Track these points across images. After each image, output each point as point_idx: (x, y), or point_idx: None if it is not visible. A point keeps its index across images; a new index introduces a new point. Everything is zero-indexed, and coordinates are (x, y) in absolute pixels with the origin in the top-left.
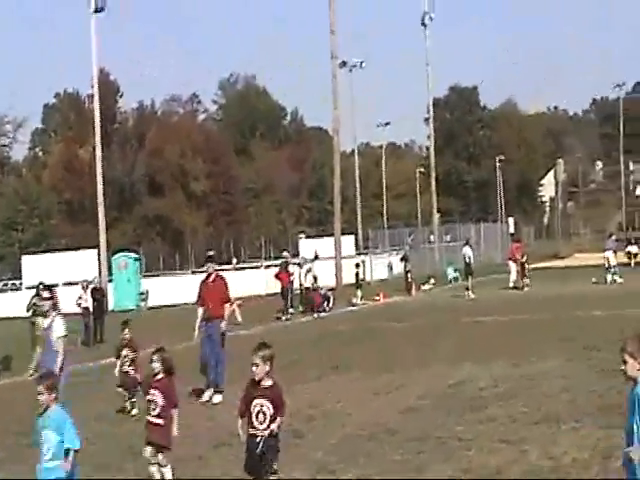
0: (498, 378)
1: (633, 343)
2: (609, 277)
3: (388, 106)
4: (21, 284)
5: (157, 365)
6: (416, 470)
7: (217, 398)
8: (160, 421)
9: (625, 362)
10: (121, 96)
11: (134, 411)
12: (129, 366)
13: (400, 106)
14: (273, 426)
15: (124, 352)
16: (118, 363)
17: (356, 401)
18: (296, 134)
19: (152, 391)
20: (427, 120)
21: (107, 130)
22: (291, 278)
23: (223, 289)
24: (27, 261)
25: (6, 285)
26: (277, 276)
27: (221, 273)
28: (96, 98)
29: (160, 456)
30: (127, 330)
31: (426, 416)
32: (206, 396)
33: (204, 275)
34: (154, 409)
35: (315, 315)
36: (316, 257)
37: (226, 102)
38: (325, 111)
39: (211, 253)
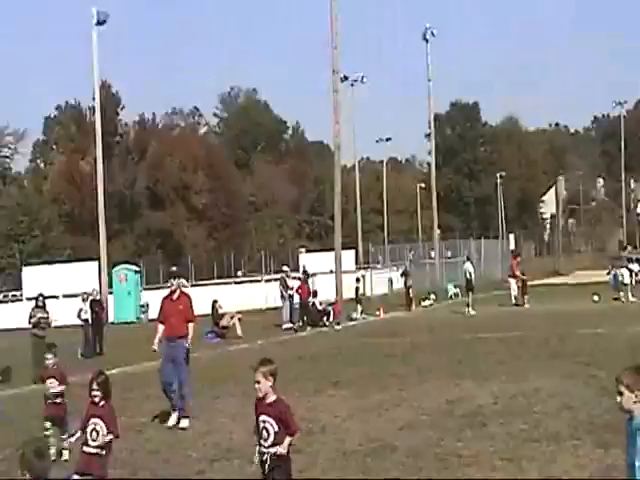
0: (497, 395)
1: (630, 375)
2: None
3: (389, 121)
4: (22, 295)
5: (98, 393)
6: None
7: (184, 422)
8: (100, 451)
9: (621, 394)
10: (122, 109)
11: (65, 454)
12: (55, 397)
13: (401, 121)
14: (279, 449)
15: (48, 382)
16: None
17: (355, 417)
18: (297, 148)
19: (94, 420)
20: (428, 136)
21: (108, 142)
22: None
23: (187, 307)
24: (28, 272)
25: (6, 296)
26: (297, 290)
27: (186, 290)
28: (97, 110)
29: None
30: (52, 356)
31: (425, 433)
32: (172, 421)
33: (167, 291)
34: (94, 439)
35: (337, 327)
36: (304, 272)
37: (227, 116)
38: (326, 126)
39: (174, 269)
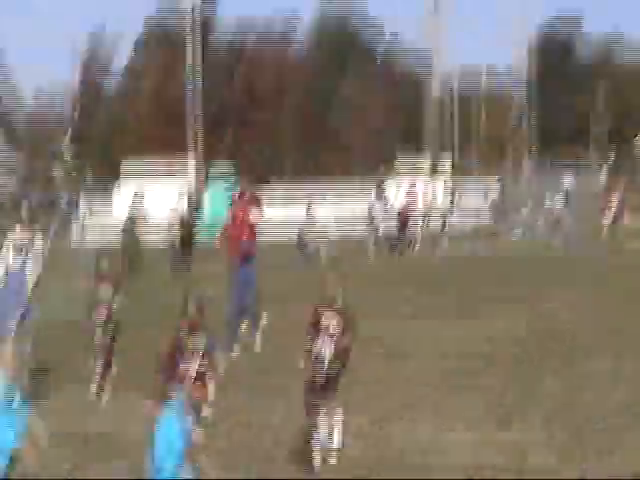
0: None
1: None
2: None
3: None
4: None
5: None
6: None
7: (264, 321)
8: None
9: None
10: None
11: None
12: (106, 302)
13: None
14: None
15: (102, 287)
16: None
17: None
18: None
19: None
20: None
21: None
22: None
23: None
24: (126, 165)
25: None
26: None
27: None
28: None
29: None
30: (106, 264)
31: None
32: (236, 350)
33: (236, 195)
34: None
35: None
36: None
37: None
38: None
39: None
